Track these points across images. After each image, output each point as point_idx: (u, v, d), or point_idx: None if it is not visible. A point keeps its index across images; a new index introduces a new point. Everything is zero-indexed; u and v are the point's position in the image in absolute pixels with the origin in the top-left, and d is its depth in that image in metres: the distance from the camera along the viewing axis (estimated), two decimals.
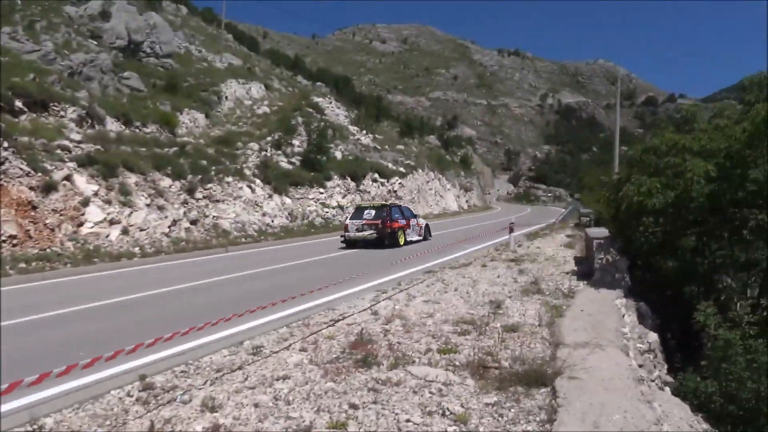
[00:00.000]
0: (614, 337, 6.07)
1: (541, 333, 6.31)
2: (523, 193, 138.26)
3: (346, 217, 20.58)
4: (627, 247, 10.19)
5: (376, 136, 44.90)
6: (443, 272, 11.05)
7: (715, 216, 9.01)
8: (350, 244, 17.88)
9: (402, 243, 18.18)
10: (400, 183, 38.42)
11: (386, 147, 43.23)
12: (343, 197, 29.38)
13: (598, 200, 15.17)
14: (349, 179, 30.93)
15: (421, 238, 19.87)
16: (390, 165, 38.78)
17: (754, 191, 8.02)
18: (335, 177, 29.56)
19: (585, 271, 10.70)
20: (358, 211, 18.92)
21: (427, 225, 20.80)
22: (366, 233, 17.87)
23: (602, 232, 10.88)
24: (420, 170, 44.87)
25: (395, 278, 10.62)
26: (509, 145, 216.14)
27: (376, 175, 34.76)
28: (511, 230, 15.51)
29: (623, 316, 7.45)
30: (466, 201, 61.61)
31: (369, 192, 32.94)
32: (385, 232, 17.80)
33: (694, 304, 8.60)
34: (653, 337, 8.18)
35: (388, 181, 36.35)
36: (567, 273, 10.61)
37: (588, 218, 22.57)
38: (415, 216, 20.19)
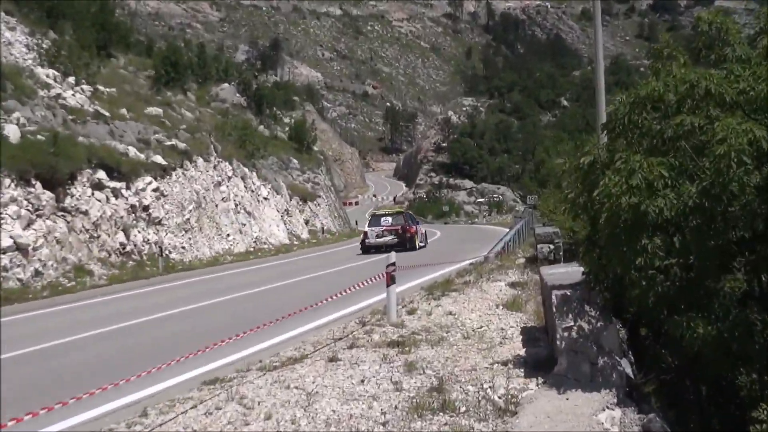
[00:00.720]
0: None
1: None
2: (426, 198, 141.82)
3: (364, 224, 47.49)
4: (618, 298, 10.63)
5: (101, 88, 44.13)
6: (244, 379, 10.93)
7: None
8: (368, 250, 40.50)
9: (417, 247, 40.93)
10: (155, 190, 37.78)
11: (124, 112, 42.69)
12: (27, 227, 28.35)
13: (563, 208, 15.74)
14: (37, 186, 30.21)
15: (423, 244, 43.18)
16: (133, 151, 38.32)
17: None
18: (5, 181, 28.58)
19: (541, 355, 11.02)
20: (375, 219, 42.83)
21: (425, 232, 45.36)
22: (387, 239, 40.24)
23: (570, 273, 11.24)
24: (201, 159, 44.50)
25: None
26: (393, 99, 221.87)
27: (102, 175, 34.10)
28: (392, 280, 15.68)
29: None
30: (307, 221, 62.27)
31: (86, 213, 32.02)
32: (405, 236, 40.35)
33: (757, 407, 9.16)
34: None
35: (128, 187, 35.62)
36: (505, 363, 10.90)
37: (550, 245, 23.48)
38: (418, 223, 45.20)
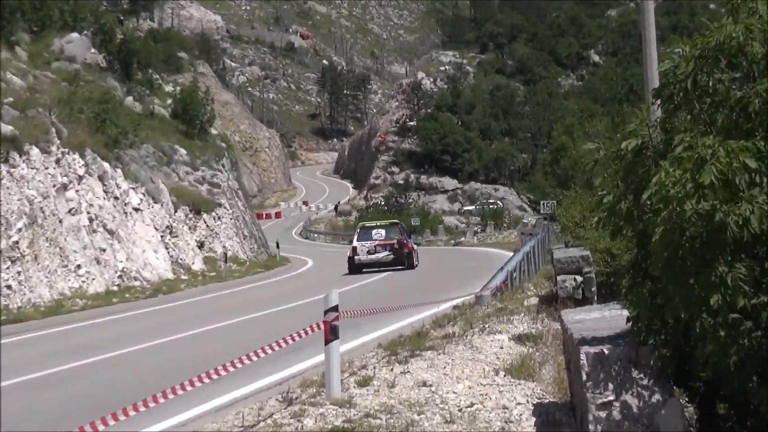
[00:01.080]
0: None
1: None
2: (386, 207, 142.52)
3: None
4: (682, 358, 10.43)
5: None
6: None
7: None
8: (357, 269, 53.28)
9: (414, 265, 54.37)
10: None
11: None
12: None
13: (596, 219, 15.67)
14: None
15: (417, 263, 55.95)
16: None
17: None
18: None
19: None
20: (365, 231, 57.24)
21: (417, 248, 58.81)
22: (381, 255, 54.75)
23: (607, 319, 11.07)
24: (36, 150, 44.46)
25: None
26: (333, 55, 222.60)
27: None
28: (334, 334, 15.44)
29: None
30: (201, 244, 62.29)
31: None
32: (402, 252, 54.72)
33: None
34: None
35: None
36: None
37: (577, 276, 23.47)
38: (410, 237, 62.83)
